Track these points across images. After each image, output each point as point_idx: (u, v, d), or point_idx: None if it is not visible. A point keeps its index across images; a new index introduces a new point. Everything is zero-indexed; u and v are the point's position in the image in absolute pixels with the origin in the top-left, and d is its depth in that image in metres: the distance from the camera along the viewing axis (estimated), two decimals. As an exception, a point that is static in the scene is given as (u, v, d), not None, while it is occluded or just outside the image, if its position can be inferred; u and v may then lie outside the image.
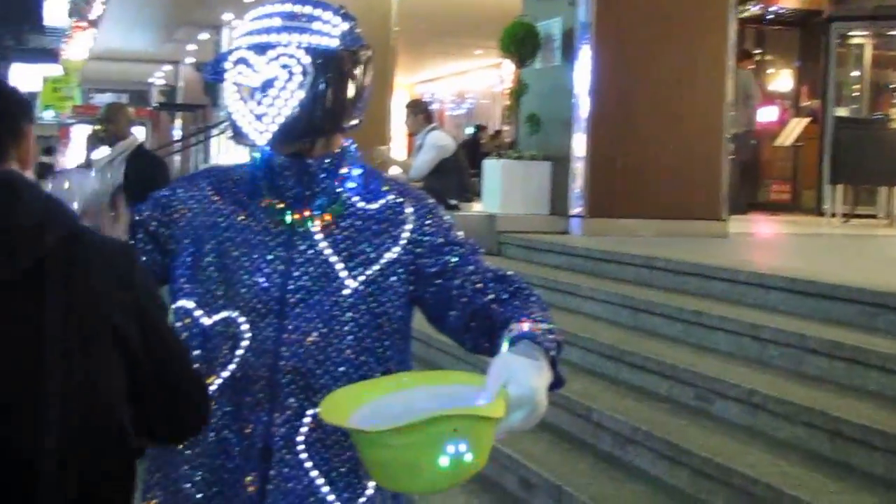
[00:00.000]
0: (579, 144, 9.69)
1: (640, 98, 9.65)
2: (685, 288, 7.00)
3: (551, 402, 5.14)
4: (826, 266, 7.32)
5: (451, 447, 1.71)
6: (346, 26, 2.20)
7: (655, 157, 9.63)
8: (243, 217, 2.23)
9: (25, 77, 42.79)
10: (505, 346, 1.98)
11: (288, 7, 2.18)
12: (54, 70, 36.77)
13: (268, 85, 2.13)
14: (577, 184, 9.69)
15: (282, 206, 2.21)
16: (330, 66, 2.15)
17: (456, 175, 10.38)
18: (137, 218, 2.29)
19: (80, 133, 21.24)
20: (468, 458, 1.72)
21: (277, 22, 2.16)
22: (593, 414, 5.34)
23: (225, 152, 22.37)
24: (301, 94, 2.12)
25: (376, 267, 2.19)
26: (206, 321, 2.19)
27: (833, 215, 11.90)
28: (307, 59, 2.12)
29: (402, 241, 2.22)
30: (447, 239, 2.25)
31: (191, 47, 25.41)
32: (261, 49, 2.14)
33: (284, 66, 2.12)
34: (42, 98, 39.40)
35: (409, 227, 2.24)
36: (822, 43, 14.28)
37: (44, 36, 43.00)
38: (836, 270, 6.78)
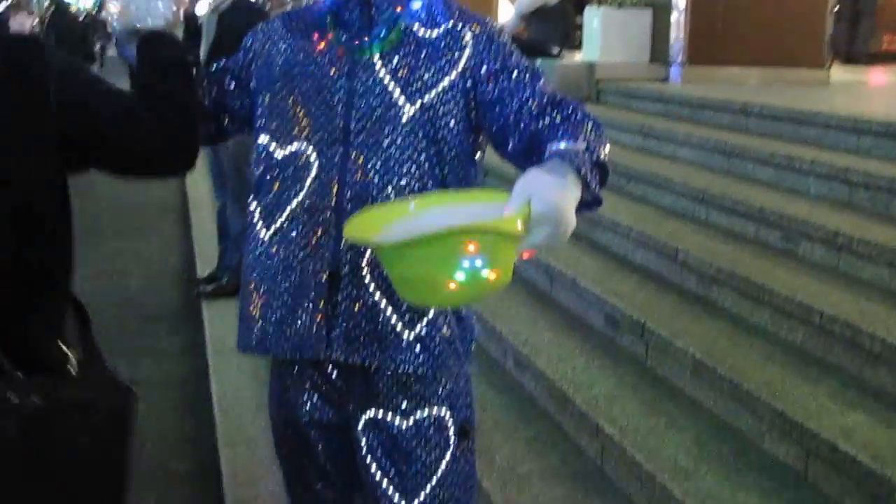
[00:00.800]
0: (680, -9, 9.52)
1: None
2: (779, 133, 6.96)
3: (639, 243, 5.26)
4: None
5: (466, 262, 1.71)
6: None
7: (758, 3, 9.42)
8: (312, 52, 2.27)
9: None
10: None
11: None
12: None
13: None
14: (678, 31, 9.54)
15: (345, 37, 2.24)
16: None
17: (560, 22, 10.17)
18: (227, 65, 2.43)
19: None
20: (485, 272, 1.72)
21: None
22: (680, 254, 5.39)
23: None
24: None
25: (434, 92, 2.21)
26: (279, 154, 2.27)
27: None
28: None
29: (460, 67, 2.22)
30: (505, 64, 2.23)
31: None
32: None
33: None
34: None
35: (467, 52, 2.23)
36: None
37: None
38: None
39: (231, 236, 7.09)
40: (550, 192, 1.79)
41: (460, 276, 1.72)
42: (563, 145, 1.97)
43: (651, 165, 7.10)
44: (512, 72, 2.22)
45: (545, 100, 2.17)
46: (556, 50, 9.89)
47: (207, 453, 4.87)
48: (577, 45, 10.63)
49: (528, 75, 2.23)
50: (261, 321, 2.31)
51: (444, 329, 2.26)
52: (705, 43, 9.46)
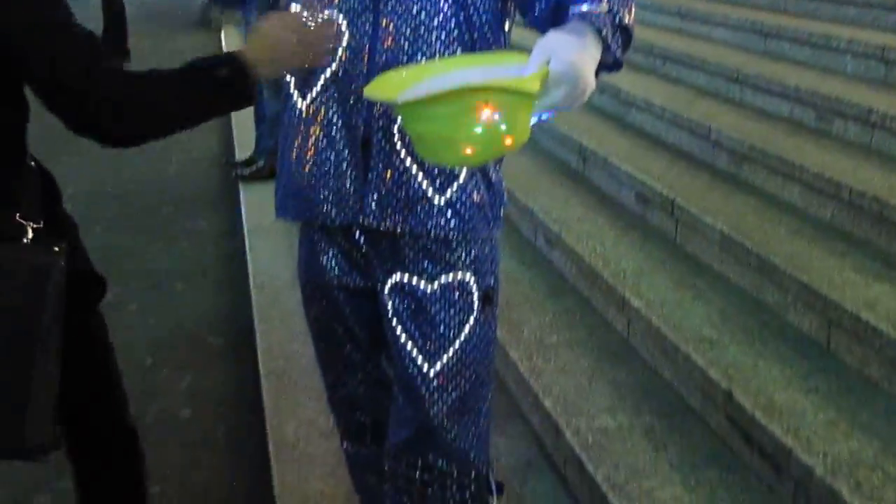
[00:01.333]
0: None
1: None
2: (817, 13, 6.87)
3: (671, 123, 5.23)
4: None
5: (483, 120, 1.71)
6: None
7: None
8: None
9: None
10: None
11: None
12: None
13: None
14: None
15: None
16: None
17: None
18: None
19: None
20: (502, 132, 1.73)
21: None
22: (712, 133, 5.37)
23: None
24: None
25: None
26: (311, 24, 2.26)
27: None
28: None
29: None
30: None
31: None
32: None
33: None
34: None
35: None
36: None
37: None
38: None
39: (267, 120, 7.12)
40: (569, 51, 1.78)
41: (477, 134, 1.73)
42: (585, 7, 1.95)
43: (687, 46, 7.03)
44: None
45: None
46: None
47: (243, 329, 4.97)
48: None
49: None
50: (296, 188, 2.35)
51: (475, 195, 2.28)
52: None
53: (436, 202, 2.25)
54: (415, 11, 2.17)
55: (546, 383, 3.79)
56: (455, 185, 2.26)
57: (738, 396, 3.35)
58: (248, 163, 7.36)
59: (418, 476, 2.41)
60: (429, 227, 2.26)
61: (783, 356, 3.63)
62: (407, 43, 2.18)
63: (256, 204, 6.53)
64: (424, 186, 2.24)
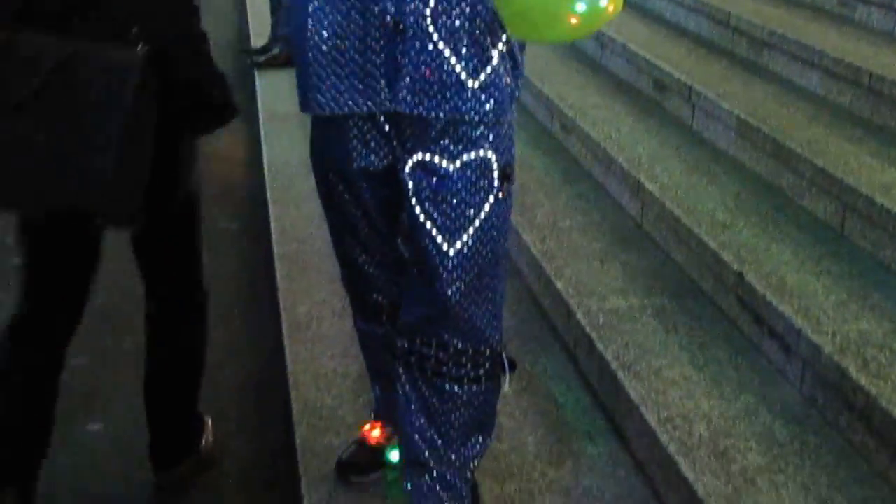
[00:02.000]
0: None
1: None
2: None
3: (689, 9, 5.20)
4: None
5: None
6: None
7: None
8: None
9: None
10: None
11: None
12: None
13: None
14: None
15: None
16: None
17: None
18: None
19: None
20: (603, 2, 1.72)
21: None
22: (732, 19, 5.31)
23: None
24: None
25: None
26: None
27: None
28: None
29: None
30: None
31: None
32: None
33: None
34: None
35: None
36: None
37: None
38: None
39: (283, 6, 7.07)
40: None
41: (581, 6, 1.73)
42: None
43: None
44: None
45: None
46: None
47: (258, 211, 5.00)
48: None
49: None
50: (324, 77, 2.29)
51: (506, 77, 2.27)
52: None
53: (470, 86, 2.22)
54: None
55: (558, 266, 3.80)
56: (489, 68, 2.23)
57: (750, 278, 3.36)
58: (263, 50, 7.33)
59: (433, 353, 2.43)
60: (463, 111, 2.24)
61: (797, 240, 3.64)
62: None
63: (271, 91, 6.53)
64: (458, 70, 2.21)
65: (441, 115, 2.23)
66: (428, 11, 2.17)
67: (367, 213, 2.50)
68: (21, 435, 2.84)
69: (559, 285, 3.67)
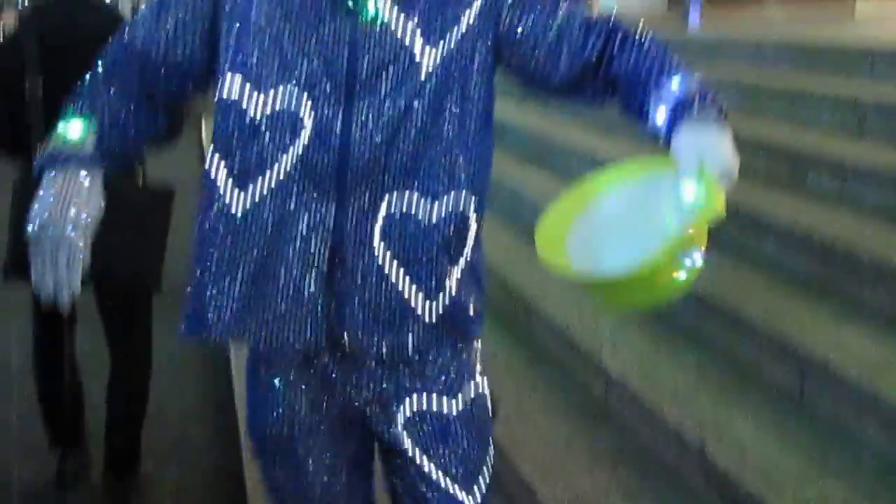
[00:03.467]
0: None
1: None
2: (795, 68, 7.09)
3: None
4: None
5: (687, 260, 1.76)
6: None
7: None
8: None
9: None
10: (662, 111, 1.93)
11: None
12: None
13: None
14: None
15: None
16: None
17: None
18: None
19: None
20: (699, 260, 1.78)
21: None
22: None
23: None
24: None
25: (455, 31, 2.02)
26: (260, 99, 1.99)
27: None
28: None
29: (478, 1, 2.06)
30: None
31: None
32: None
33: None
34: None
35: None
36: None
37: None
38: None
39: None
40: (717, 145, 1.85)
41: (681, 275, 1.79)
42: (675, 86, 1.95)
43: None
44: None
45: (589, 20, 2.08)
46: None
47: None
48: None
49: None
50: (236, 309, 2.04)
51: (470, 301, 2.17)
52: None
53: (426, 313, 2.07)
54: (402, 90, 1.99)
55: (523, 451, 3.94)
56: (447, 293, 2.09)
57: (712, 451, 3.52)
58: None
59: None
60: (419, 343, 2.08)
61: (757, 407, 3.82)
62: (392, 127, 1.98)
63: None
64: (412, 296, 2.04)
65: (394, 346, 2.07)
66: (376, 228, 2.01)
67: (329, 478, 2.32)
68: (77, 406, 4.34)
69: (525, 469, 3.81)
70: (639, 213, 1.89)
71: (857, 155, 5.20)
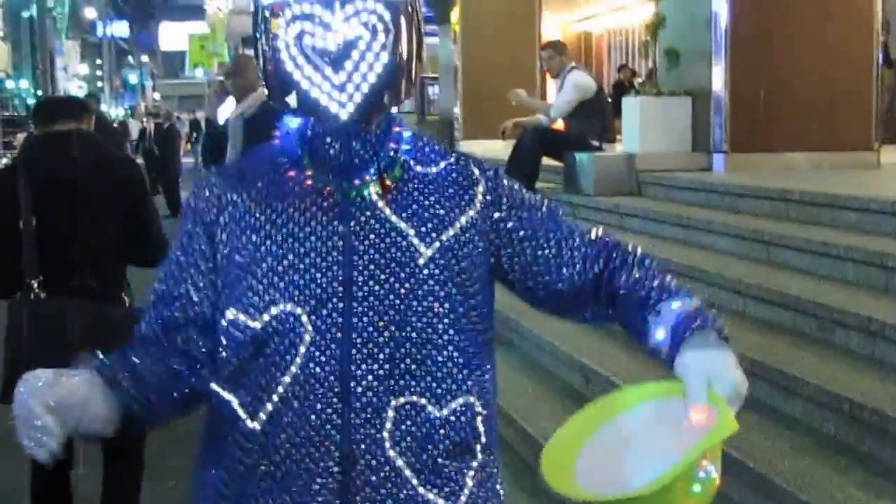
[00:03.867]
0: (719, 77, 9.73)
1: (783, 27, 9.63)
2: (818, 219, 7.15)
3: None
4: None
5: (701, 474, 1.78)
6: None
7: (801, 85, 9.56)
8: (287, 200, 2.02)
9: (172, 36, 44.44)
10: (661, 332, 1.94)
11: None
12: (200, 27, 38.09)
13: (349, 47, 1.92)
14: (719, 118, 9.71)
15: (330, 175, 2.01)
16: (408, 21, 1.98)
17: (598, 116, 10.37)
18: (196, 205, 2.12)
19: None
20: (714, 474, 1.80)
21: None
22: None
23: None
24: (386, 57, 1.95)
25: (451, 231, 2.02)
26: (256, 324, 1.98)
27: None
28: (387, 15, 1.94)
29: (478, 203, 2.06)
30: (526, 201, 2.12)
31: None
32: (329, 3, 1.92)
33: (364, 24, 1.93)
34: (190, 57, 40.90)
35: (480, 188, 2.08)
36: None
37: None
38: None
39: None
40: (724, 368, 1.87)
41: (697, 488, 1.78)
42: (677, 306, 1.97)
43: (689, 257, 7.31)
44: (537, 210, 2.13)
45: (587, 239, 2.12)
46: (595, 143, 10.16)
47: None
48: (615, 138, 10.82)
49: (553, 212, 2.15)
50: None
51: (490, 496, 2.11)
52: (747, 129, 9.59)
53: None
54: (401, 294, 1.97)
55: None
56: (463, 494, 2.04)
57: None
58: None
59: None
60: None
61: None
62: (388, 332, 1.96)
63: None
64: (431, 499, 2.00)
65: None
66: (385, 435, 1.98)
67: None
68: None
69: None
70: (650, 436, 1.90)
71: (885, 313, 5.21)
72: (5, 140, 27.13)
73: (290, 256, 1.97)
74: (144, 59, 70.91)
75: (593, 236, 2.13)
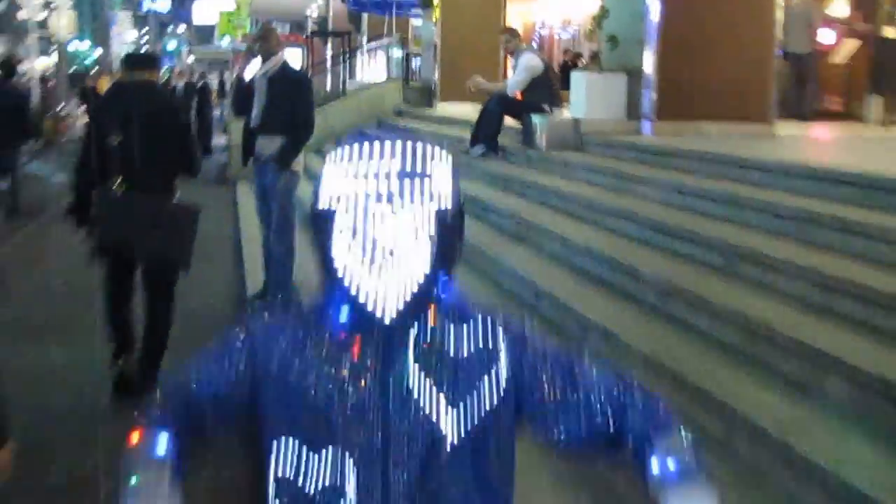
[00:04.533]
0: (650, 60, 9.73)
1: (703, 24, 9.61)
2: (726, 176, 7.14)
3: (602, 260, 5.18)
4: (845, 158, 7.41)
5: None
6: (451, 176, 1.75)
7: (716, 71, 9.58)
8: (340, 360, 1.76)
9: (204, 11, 43.73)
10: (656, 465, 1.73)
11: (402, 160, 1.70)
12: (229, 5, 37.51)
13: (395, 255, 1.68)
14: (649, 92, 9.75)
15: (370, 351, 1.74)
16: (452, 227, 1.74)
17: (548, 88, 10.41)
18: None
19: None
20: None
21: (395, 172, 1.69)
22: (639, 271, 5.62)
23: (366, 69, 22.63)
24: (428, 263, 1.70)
25: (480, 396, 1.76)
26: (314, 461, 1.75)
27: (884, 123, 11.60)
28: (434, 227, 1.70)
29: (503, 375, 1.78)
30: (548, 358, 1.82)
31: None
32: (379, 214, 1.68)
33: (411, 233, 1.69)
34: (219, 29, 40.25)
35: (505, 356, 1.79)
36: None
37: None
38: (849, 161, 6.88)
39: (273, 258, 7.31)
40: None
41: None
42: (672, 463, 1.74)
43: (622, 203, 7.30)
44: (558, 365, 1.82)
45: (599, 386, 1.82)
46: (547, 108, 10.15)
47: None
48: (562, 105, 10.78)
49: (570, 363, 1.84)
50: None
51: None
52: (671, 102, 9.63)
53: None
54: (431, 465, 1.73)
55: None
56: None
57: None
58: (258, 296, 7.50)
59: None
60: None
61: None
62: (425, 486, 1.73)
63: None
64: None
65: None
66: None
67: None
68: (127, 325, 5.74)
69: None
70: None
71: (777, 249, 5.22)
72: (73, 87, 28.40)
73: (338, 412, 1.74)
74: (181, 29, 70.33)
75: (615, 383, 1.83)
